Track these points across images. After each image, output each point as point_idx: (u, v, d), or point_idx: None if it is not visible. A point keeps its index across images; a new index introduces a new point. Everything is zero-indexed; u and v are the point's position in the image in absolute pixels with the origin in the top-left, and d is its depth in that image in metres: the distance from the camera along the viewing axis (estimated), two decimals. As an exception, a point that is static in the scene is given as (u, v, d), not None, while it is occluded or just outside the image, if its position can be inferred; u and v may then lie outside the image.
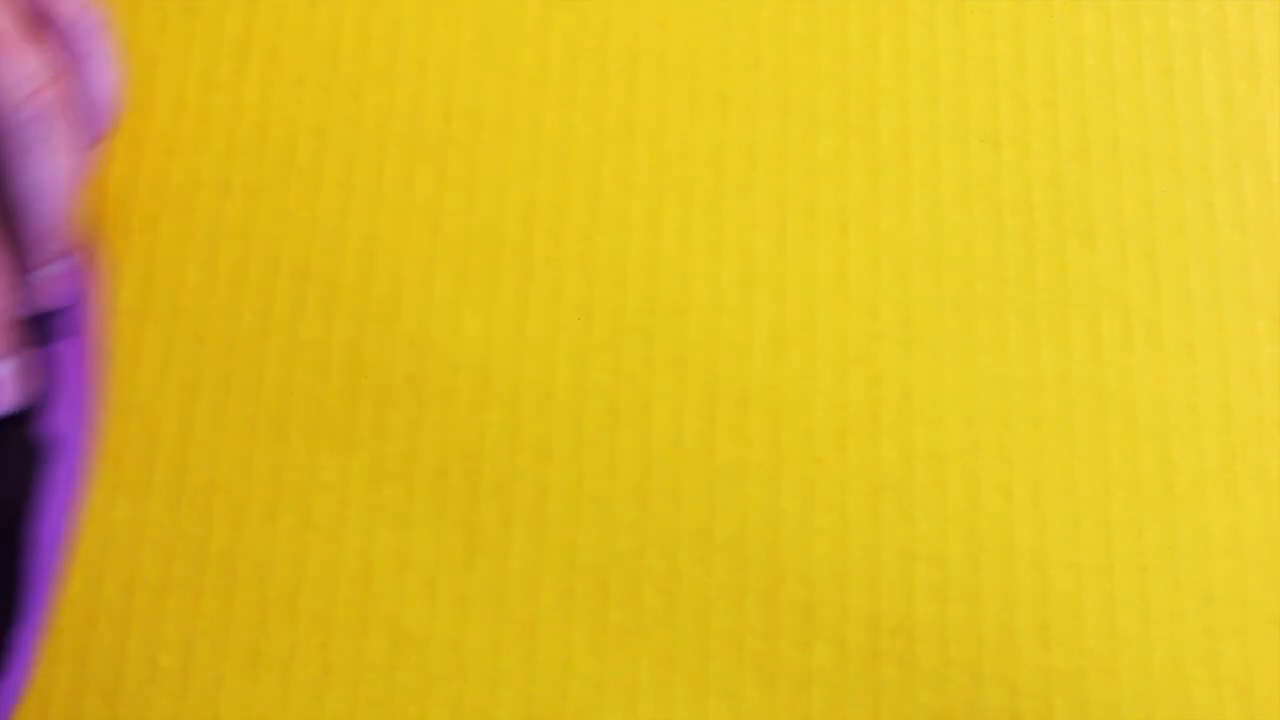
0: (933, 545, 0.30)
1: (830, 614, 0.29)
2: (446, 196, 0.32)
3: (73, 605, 0.29)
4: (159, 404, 0.31)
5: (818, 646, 0.29)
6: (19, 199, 0.25)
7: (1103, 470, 0.30)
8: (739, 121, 0.33)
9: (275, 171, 0.32)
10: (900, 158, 0.32)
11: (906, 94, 0.33)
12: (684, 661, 0.29)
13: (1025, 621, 0.29)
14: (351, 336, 0.31)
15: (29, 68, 0.24)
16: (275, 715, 0.29)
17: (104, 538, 0.30)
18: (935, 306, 0.31)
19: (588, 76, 0.33)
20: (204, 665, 0.29)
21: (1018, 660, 0.29)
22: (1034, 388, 0.31)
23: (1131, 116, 0.33)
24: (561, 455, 0.30)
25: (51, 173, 0.25)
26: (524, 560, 0.30)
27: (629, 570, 0.30)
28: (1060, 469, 0.30)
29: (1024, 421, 0.31)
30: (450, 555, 0.30)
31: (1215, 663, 0.29)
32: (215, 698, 0.29)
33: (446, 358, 0.31)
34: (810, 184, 0.32)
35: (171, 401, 0.31)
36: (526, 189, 0.32)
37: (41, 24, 0.26)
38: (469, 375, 0.31)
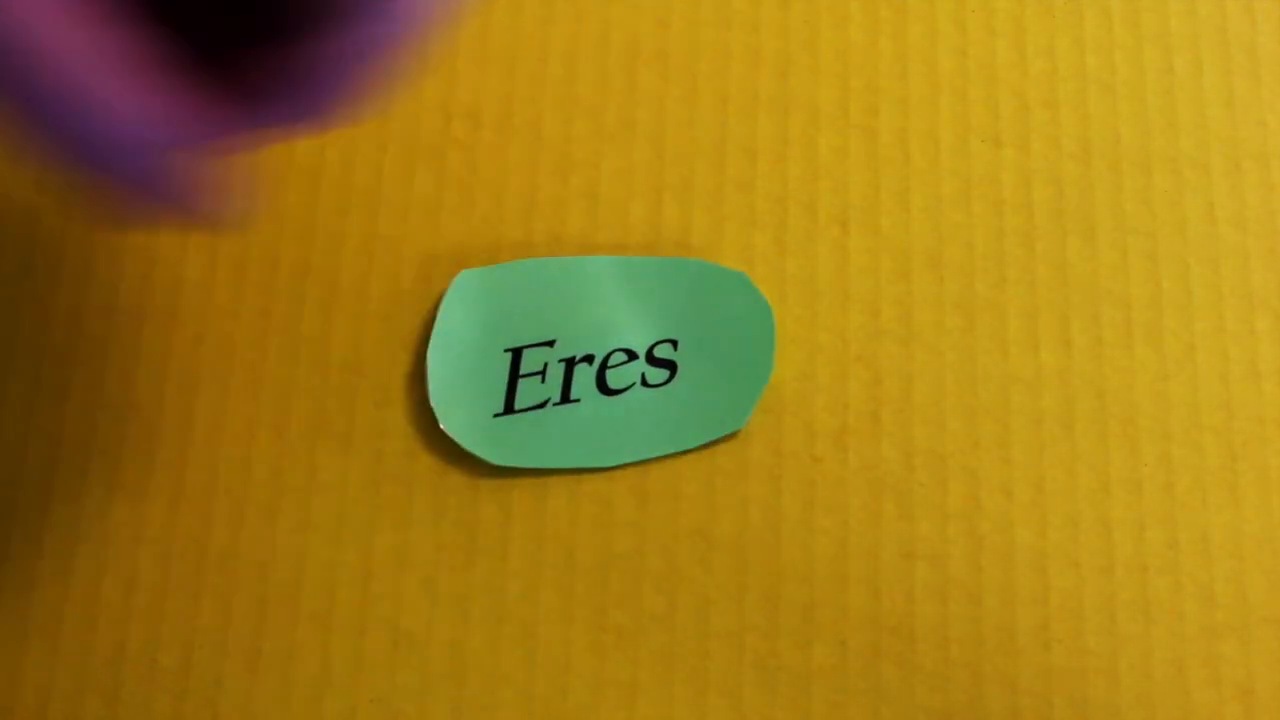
0: (933, 545, 0.30)
1: (830, 614, 0.29)
2: (446, 195, 0.32)
3: (73, 605, 0.29)
4: (159, 404, 0.31)
5: (818, 646, 0.29)
6: None
7: (1103, 470, 0.30)
8: (739, 120, 0.33)
9: (274, 170, 0.32)
10: (900, 156, 0.32)
11: (907, 93, 0.33)
12: (684, 661, 0.29)
13: (1025, 621, 0.29)
14: (351, 336, 0.31)
15: None
16: (275, 715, 0.29)
17: (104, 538, 0.30)
18: (935, 306, 0.31)
19: (588, 75, 0.33)
20: (204, 665, 0.29)
21: (1018, 660, 0.29)
22: (1034, 387, 0.31)
23: (1132, 116, 0.33)
24: (561, 455, 0.30)
25: None
26: (524, 560, 0.30)
27: (629, 570, 0.30)
28: (1060, 469, 0.30)
29: (1024, 421, 0.31)
30: (450, 555, 0.30)
31: (1215, 663, 0.29)
32: (215, 698, 0.29)
33: (446, 357, 0.31)
34: (810, 182, 0.32)
35: (171, 401, 0.31)
36: (526, 188, 0.32)
37: None
38: (469, 375, 0.31)
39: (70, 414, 0.31)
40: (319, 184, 0.32)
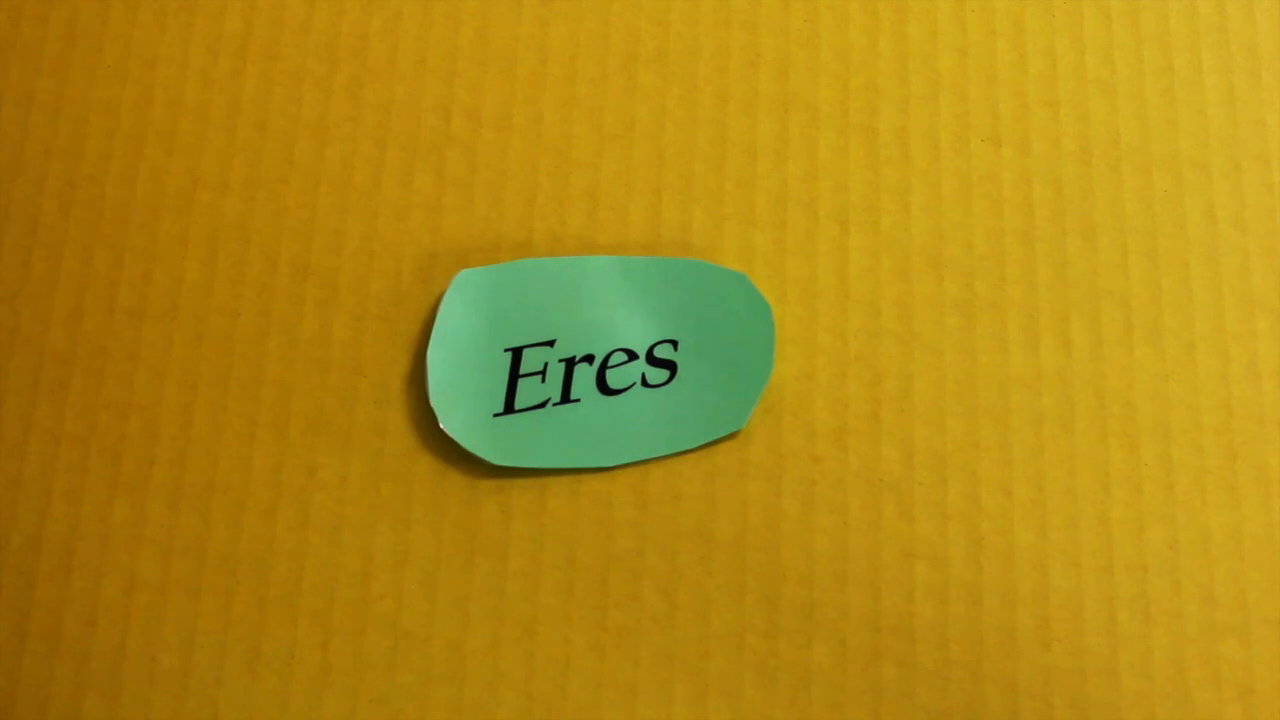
0: (933, 545, 0.30)
1: (830, 614, 0.29)
2: (445, 195, 0.32)
3: (73, 605, 0.29)
4: (158, 404, 0.31)
5: (818, 646, 0.29)
6: None
7: (1103, 470, 0.30)
8: (739, 119, 0.33)
9: (274, 170, 0.32)
10: (900, 156, 0.32)
11: (907, 92, 0.33)
12: (684, 661, 0.29)
13: (1025, 621, 0.29)
14: (351, 336, 0.31)
15: None
16: (275, 715, 0.29)
17: (104, 538, 0.30)
18: (935, 306, 0.31)
19: (588, 75, 0.33)
20: (204, 665, 0.29)
21: (1018, 660, 0.29)
22: (1034, 387, 0.31)
23: (1131, 116, 0.33)
24: (561, 455, 0.30)
25: None
26: (524, 560, 0.30)
27: (629, 570, 0.30)
28: (1060, 469, 0.30)
29: (1024, 421, 0.31)
30: (450, 555, 0.30)
31: (1215, 663, 0.29)
32: (215, 698, 0.29)
33: (446, 357, 0.31)
34: (810, 182, 0.32)
35: (171, 401, 0.31)
36: (526, 187, 0.32)
37: None
38: (469, 374, 0.31)
39: (70, 414, 0.31)
40: (318, 183, 0.32)
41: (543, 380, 0.30)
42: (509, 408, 0.30)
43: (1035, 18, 0.34)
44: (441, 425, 0.30)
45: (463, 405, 0.30)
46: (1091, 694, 0.29)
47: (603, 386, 0.30)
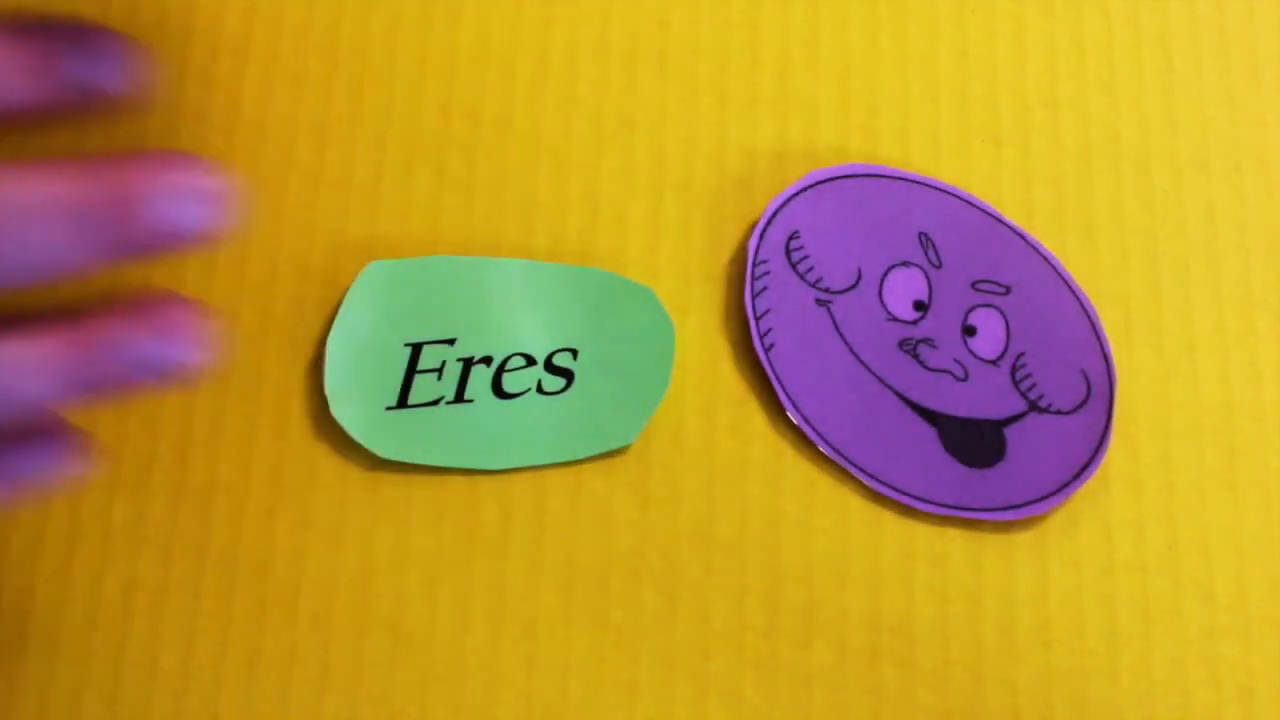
0: (933, 545, 0.30)
1: (830, 614, 0.29)
2: (446, 196, 0.32)
3: (73, 605, 0.29)
4: (159, 404, 0.31)
5: (818, 646, 0.29)
6: None
7: (1103, 470, 0.30)
8: (739, 120, 0.33)
9: (274, 171, 0.32)
10: (900, 157, 0.32)
11: (907, 93, 0.33)
12: (684, 661, 0.29)
13: (1025, 621, 0.29)
14: (351, 336, 0.31)
15: None
16: (275, 715, 0.29)
17: (104, 538, 0.30)
18: (935, 306, 0.31)
19: (588, 75, 0.33)
20: (204, 665, 0.29)
21: (1018, 660, 0.29)
22: (1034, 387, 0.31)
23: (1131, 116, 0.33)
24: (561, 455, 0.30)
25: None
26: (524, 560, 0.30)
27: (629, 570, 0.30)
28: (1060, 469, 0.30)
29: (1024, 421, 0.31)
30: (450, 555, 0.30)
31: (1215, 663, 0.29)
32: (215, 698, 0.29)
33: (446, 357, 0.31)
34: (810, 183, 0.32)
35: (171, 401, 0.31)
36: (526, 188, 0.32)
37: None
38: (469, 375, 0.31)
39: (71, 413, 0.31)
40: (318, 183, 0.32)
41: (439, 378, 0.30)
42: (402, 402, 0.30)
43: (1035, 18, 0.34)
44: (334, 414, 0.30)
45: (357, 396, 0.30)
46: (1091, 694, 0.29)
47: (498, 389, 0.30)
